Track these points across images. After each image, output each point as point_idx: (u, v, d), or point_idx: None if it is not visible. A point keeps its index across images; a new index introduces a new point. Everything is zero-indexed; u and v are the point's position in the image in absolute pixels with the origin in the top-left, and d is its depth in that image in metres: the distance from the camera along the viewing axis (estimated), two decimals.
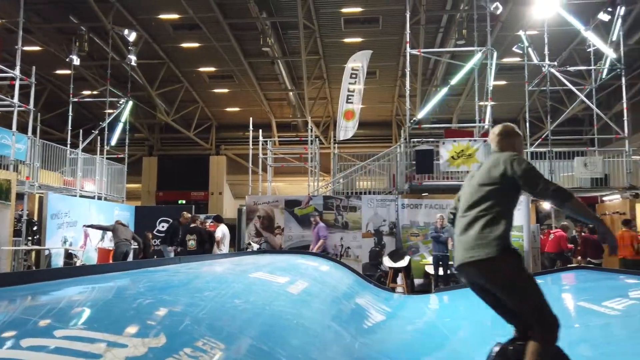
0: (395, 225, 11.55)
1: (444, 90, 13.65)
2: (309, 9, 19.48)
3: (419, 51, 12.51)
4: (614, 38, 12.76)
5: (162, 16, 19.99)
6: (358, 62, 13.33)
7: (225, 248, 10.22)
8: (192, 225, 9.75)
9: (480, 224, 2.84)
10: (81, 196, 13.71)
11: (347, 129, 13.35)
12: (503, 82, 24.31)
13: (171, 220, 12.98)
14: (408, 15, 12.55)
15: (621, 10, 12.45)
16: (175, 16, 19.92)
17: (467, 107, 25.81)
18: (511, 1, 17.27)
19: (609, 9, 12.45)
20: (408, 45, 12.05)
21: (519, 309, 2.84)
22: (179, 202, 26.96)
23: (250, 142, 13.49)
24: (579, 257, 11.50)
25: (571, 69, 14.29)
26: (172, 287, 3.66)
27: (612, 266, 11.09)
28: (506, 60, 19.93)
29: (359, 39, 22.12)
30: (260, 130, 13.02)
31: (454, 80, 13.02)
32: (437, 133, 20.47)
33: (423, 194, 11.87)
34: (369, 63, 22.24)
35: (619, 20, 12.54)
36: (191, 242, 9.19)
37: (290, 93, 25.17)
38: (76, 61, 17.17)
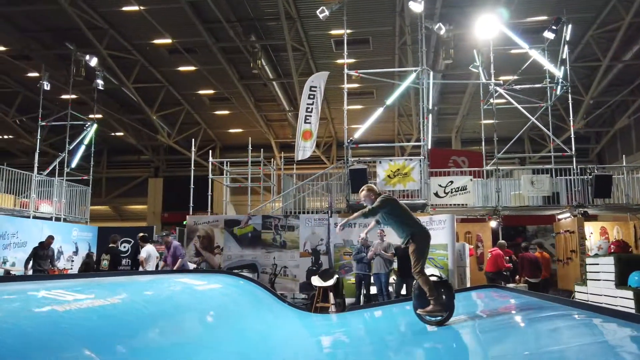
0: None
1: (379, 110, 13.27)
2: (297, 32, 19.60)
3: (356, 72, 12.24)
4: (564, 56, 12.07)
5: (156, 41, 20.63)
6: (315, 82, 13.23)
7: (151, 268, 10.17)
8: (111, 245, 9.84)
9: None
10: (35, 217, 13.90)
11: (305, 149, 13.21)
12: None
13: (132, 241, 13.05)
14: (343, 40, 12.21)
15: (567, 29, 11.78)
16: (167, 41, 20.49)
17: (468, 126, 25.20)
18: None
19: (553, 27, 11.83)
20: (346, 66, 11.81)
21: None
22: (184, 222, 27.27)
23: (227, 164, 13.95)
24: (517, 276, 10.87)
25: (517, 87, 13.61)
26: None
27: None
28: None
29: (351, 60, 22.00)
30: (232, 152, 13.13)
31: (389, 100, 12.70)
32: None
33: None
34: (366, 84, 22.21)
35: (565, 39, 11.86)
36: (104, 262, 9.24)
37: (289, 114, 25.28)
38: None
